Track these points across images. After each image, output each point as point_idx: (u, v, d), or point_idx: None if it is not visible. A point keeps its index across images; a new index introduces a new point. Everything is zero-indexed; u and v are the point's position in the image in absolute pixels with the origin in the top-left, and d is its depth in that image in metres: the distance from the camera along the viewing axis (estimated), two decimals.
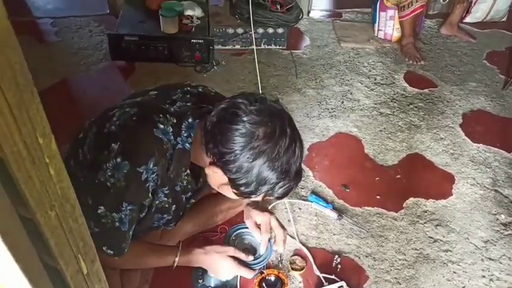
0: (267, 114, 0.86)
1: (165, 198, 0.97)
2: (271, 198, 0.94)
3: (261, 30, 2.27)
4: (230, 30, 2.25)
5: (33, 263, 0.46)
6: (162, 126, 0.89)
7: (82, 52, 2.06)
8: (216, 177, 0.90)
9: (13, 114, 0.36)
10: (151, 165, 0.86)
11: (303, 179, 1.54)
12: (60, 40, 2.13)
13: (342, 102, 1.95)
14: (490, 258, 1.33)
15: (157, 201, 0.96)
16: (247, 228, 1.23)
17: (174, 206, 1.03)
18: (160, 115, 0.90)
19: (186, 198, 1.06)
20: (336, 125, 1.82)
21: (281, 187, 0.89)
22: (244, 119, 0.84)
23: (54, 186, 0.43)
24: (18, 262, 0.41)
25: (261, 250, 1.18)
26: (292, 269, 1.24)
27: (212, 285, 1.16)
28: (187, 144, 0.91)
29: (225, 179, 0.89)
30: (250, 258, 1.14)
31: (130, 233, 0.91)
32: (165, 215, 1.03)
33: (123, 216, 0.86)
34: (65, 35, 2.16)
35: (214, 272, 1.11)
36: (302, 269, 1.24)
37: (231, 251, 1.12)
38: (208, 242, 1.29)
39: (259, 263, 1.16)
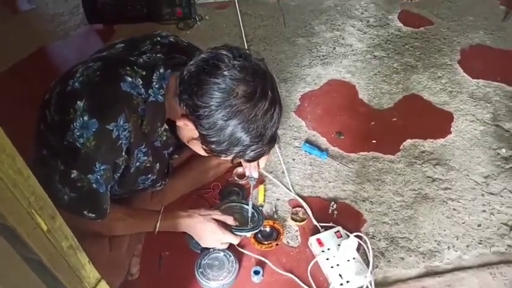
0: (250, 72, 0.80)
1: (145, 157, 0.92)
2: (241, 159, 0.90)
3: None
4: None
5: None
6: (129, 79, 0.83)
7: (58, 18, 1.97)
8: (187, 131, 0.85)
9: None
10: (121, 122, 0.81)
11: (295, 129, 1.50)
12: (34, 7, 2.04)
13: (334, 48, 1.87)
14: (490, 193, 1.29)
15: (137, 163, 0.92)
16: (239, 202, 1.21)
17: (158, 164, 0.99)
18: (127, 67, 0.84)
19: (168, 153, 1.02)
20: (328, 72, 1.75)
21: (253, 150, 0.85)
22: (225, 73, 0.78)
23: None
24: None
25: (248, 171, 1.16)
26: (293, 220, 1.22)
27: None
28: (159, 97, 0.85)
29: (196, 134, 0.84)
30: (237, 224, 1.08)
31: (108, 193, 0.88)
32: (149, 175, 0.99)
33: (98, 177, 0.82)
34: (39, 1, 2.06)
35: (198, 236, 1.05)
36: (303, 221, 1.21)
37: (217, 214, 1.07)
38: (201, 199, 1.27)
39: (247, 230, 1.11)
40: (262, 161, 1.16)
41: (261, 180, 1.30)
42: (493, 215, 1.24)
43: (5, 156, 0.42)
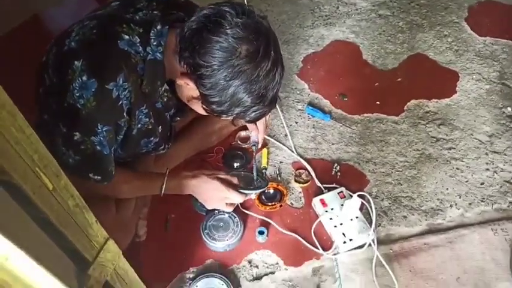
0: (253, 31, 0.78)
1: (147, 119, 0.92)
2: (241, 120, 0.89)
3: None
4: None
5: None
6: (126, 36, 0.81)
7: None
8: (187, 90, 0.84)
9: None
10: (120, 81, 0.79)
11: (298, 92, 1.48)
12: None
13: (337, 8, 1.81)
14: (494, 152, 1.29)
15: (139, 125, 0.91)
16: (243, 170, 1.21)
17: (160, 126, 0.99)
18: (124, 25, 0.82)
19: (170, 116, 1.01)
20: (331, 32, 1.70)
21: (254, 111, 0.84)
22: (228, 31, 0.76)
23: None
24: None
25: (253, 136, 1.19)
26: (297, 181, 1.23)
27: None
28: (158, 54, 0.83)
29: (197, 93, 0.83)
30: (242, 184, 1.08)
31: (112, 155, 0.88)
32: (152, 138, 0.99)
33: (101, 138, 0.82)
34: None
35: (203, 197, 1.05)
36: (306, 183, 1.22)
37: (222, 174, 1.06)
38: (204, 163, 1.28)
39: (252, 189, 1.12)
40: (262, 125, 1.15)
41: (264, 143, 1.30)
42: (496, 173, 1.24)
43: (5, 113, 0.42)
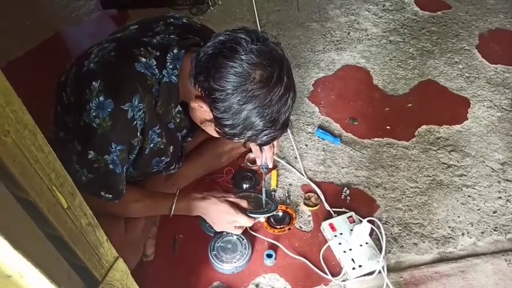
0: (268, 57, 0.80)
1: (159, 139, 0.93)
2: (253, 143, 0.90)
3: None
4: None
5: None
6: (144, 59, 0.83)
7: (72, 3, 1.98)
8: (201, 113, 0.86)
9: None
10: (136, 102, 0.81)
11: (308, 115, 1.50)
12: None
13: (348, 33, 1.84)
14: (507, 180, 1.27)
15: (151, 144, 0.93)
16: (253, 192, 1.22)
17: (171, 146, 1.00)
18: (142, 48, 0.84)
19: (182, 136, 1.02)
20: (342, 57, 1.73)
21: (266, 135, 0.85)
22: (243, 57, 0.78)
23: (2, 110, 0.39)
24: None
25: (260, 161, 1.19)
26: (306, 205, 1.22)
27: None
28: (173, 77, 0.86)
29: (210, 116, 0.84)
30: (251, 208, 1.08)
31: (124, 174, 0.89)
32: (163, 157, 1.00)
33: (114, 157, 0.84)
34: None
35: (212, 219, 1.05)
36: (315, 206, 1.22)
37: (231, 197, 1.07)
38: (214, 184, 1.28)
39: (261, 212, 1.11)
40: (269, 152, 1.16)
41: (273, 165, 1.30)
42: (510, 202, 1.22)
43: (27, 132, 0.43)
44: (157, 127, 0.90)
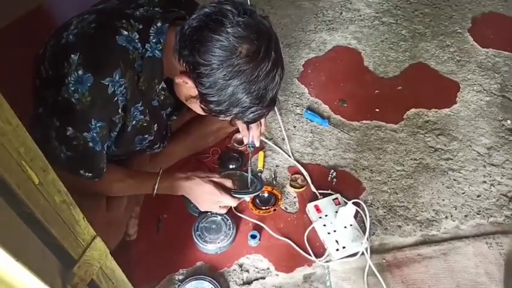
0: (255, 30, 0.77)
1: (142, 116, 0.90)
2: (239, 121, 0.88)
3: None
4: None
5: None
6: (125, 32, 0.80)
7: None
8: (186, 89, 0.83)
9: None
10: (117, 77, 0.78)
11: (297, 96, 1.47)
12: None
13: (341, 13, 1.80)
14: (492, 164, 1.28)
15: (133, 122, 0.90)
16: (239, 170, 1.20)
17: (155, 125, 0.97)
18: (123, 20, 0.80)
19: (167, 114, 1.00)
20: (334, 38, 1.70)
21: (253, 112, 0.83)
22: (229, 30, 0.75)
23: None
24: None
25: (247, 140, 1.18)
26: (292, 186, 1.21)
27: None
28: (157, 52, 0.82)
29: (195, 92, 0.82)
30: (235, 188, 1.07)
31: (104, 152, 0.87)
32: (147, 135, 0.97)
33: (94, 134, 0.81)
34: None
35: (196, 199, 1.04)
36: (301, 188, 1.21)
37: (215, 177, 1.05)
38: (200, 164, 1.27)
39: (245, 192, 1.10)
40: (256, 130, 1.15)
41: (260, 146, 1.29)
42: (494, 186, 1.23)
43: None
44: (139, 104, 0.87)
